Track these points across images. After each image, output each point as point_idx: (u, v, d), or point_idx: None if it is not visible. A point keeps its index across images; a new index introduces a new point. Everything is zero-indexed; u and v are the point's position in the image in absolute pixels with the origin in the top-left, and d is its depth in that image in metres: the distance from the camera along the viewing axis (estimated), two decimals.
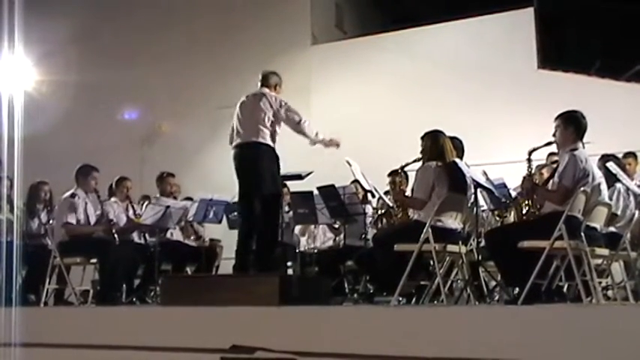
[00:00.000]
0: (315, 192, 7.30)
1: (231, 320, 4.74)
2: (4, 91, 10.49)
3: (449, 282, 6.08)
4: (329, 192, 7.16)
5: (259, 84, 6.17)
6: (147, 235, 7.69)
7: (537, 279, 4.90)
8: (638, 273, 6.05)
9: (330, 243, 8.22)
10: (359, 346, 4.28)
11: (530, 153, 5.42)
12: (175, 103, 12.14)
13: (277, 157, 5.95)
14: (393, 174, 6.84)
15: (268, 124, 5.91)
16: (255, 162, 5.87)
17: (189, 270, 7.76)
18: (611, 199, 5.87)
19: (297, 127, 5.95)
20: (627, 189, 6.32)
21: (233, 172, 6.01)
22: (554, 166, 5.69)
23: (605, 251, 5.37)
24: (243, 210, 6.09)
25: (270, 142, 5.91)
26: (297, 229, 8.38)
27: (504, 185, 6.61)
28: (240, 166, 5.96)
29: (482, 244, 5.82)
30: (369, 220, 7.38)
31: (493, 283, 6.40)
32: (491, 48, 10.52)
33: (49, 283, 6.83)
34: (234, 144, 6.01)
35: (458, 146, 6.12)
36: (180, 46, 12.17)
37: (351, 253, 7.36)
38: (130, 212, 7.57)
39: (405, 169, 6.39)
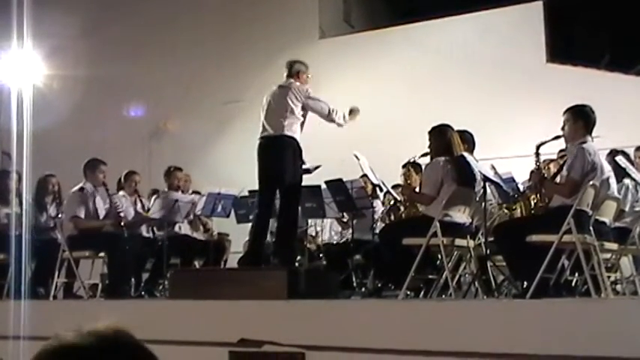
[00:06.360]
0: (323, 186, 7.29)
1: (240, 314, 4.76)
2: (13, 85, 10.52)
3: (457, 276, 6.06)
4: (337, 186, 7.15)
5: (285, 74, 6.27)
6: (155, 228, 7.71)
7: (546, 273, 4.88)
8: None
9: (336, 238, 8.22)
10: (367, 340, 4.29)
11: (538, 147, 5.41)
12: (183, 98, 12.11)
13: (300, 150, 6.03)
14: (405, 166, 6.82)
15: (293, 116, 5.99)
16: (278, 155, 5.97)
17: (197, 264, 7.78)
18: (618, 194, 5.84)
19: (327, 117, 6.17)
20: (636, 184, 6.28)
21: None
22: (561, 161, 5.66)
23: (614, 245, 5.35)
24: (262, 202, 6.12)
25: (293, 135, 5.99)
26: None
27: (513, 179, 6.59)
28: (263, 159, 6.04)
29: (491, 238, 5.80)
30: (377, 214, 7.36)
31: (501, 277, 6.39)
32: (500, 42, 10.46)
33: (58, 276, 6.84)
34: (259, 136, 6.10)
35: (468, 139, 6.10)
36: (187, 40, 12.14)
37: (360, 247, 7.36)
38: (139, 206, 7.58)
39: (418, 161, 6.38)
